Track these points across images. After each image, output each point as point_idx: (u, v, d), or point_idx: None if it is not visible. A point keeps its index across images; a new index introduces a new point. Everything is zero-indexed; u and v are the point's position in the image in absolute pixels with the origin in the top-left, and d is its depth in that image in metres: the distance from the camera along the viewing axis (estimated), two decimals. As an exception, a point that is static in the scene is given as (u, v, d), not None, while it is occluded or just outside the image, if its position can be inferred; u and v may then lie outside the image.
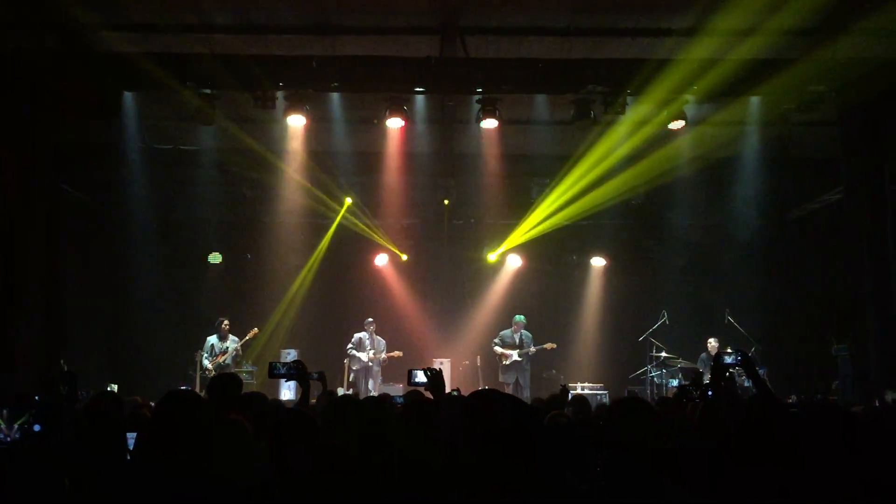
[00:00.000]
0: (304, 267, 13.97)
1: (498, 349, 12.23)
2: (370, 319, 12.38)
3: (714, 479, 2.89)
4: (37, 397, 3.60)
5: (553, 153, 12.31)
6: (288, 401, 10.45)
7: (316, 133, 11.50)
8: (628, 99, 10.20)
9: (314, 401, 5.32)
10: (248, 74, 9.88)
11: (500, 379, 12.14)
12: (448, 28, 9.76)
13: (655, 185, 12.28)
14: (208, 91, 9.97)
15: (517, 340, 12.24)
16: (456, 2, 9.36)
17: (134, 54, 9.92)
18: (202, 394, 9.15)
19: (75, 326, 11.95)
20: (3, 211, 9.60)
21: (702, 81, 9.65)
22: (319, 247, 13.88)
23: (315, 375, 4.66)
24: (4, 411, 3.16)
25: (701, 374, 5.39)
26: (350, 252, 14.07)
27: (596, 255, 14.28)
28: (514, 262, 14.24)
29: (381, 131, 11.34)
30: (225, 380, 4.48)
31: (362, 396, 10.09)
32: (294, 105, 10.29)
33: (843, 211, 11.35)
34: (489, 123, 10.60)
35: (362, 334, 12.32)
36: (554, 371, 12.86)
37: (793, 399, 9.47)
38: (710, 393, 4.41)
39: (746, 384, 9.37)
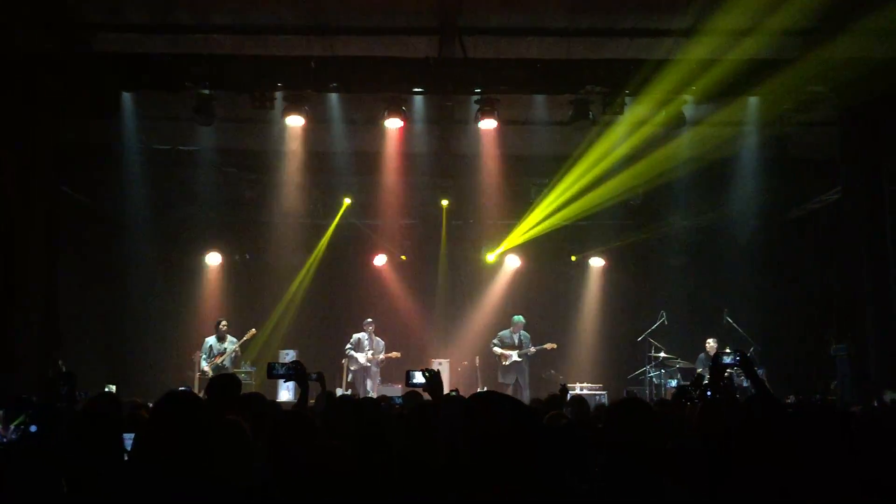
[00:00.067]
0: (302, 267, 13.97)
1: (497, 350, 12.22)
2: (369, 320, 12.37)
3: (713, 479, 2.89)
4: (33, 398, 3.60)
5: (552, 153, 12.30)
6: (287, 401, 10.46)
7: (314, 133, 11.48)
8: (627, 99, 10.19)
9: (313, 401, 5.31)
10: (246, 75, 9.87)
11: (500, 380, 12.12)
12: (446, 28, 9.77)
13: (654, 185, 12.28)
14: (207, 91, 9.94)
15: (516, 341, 12.23)
16: (454, 2, 9.36)
17: (133, 55, 9.93)
18: (201, 394, 9.14)
19: (73, 327, 11.93)
20: (2, 211, 9.59)
21: (700, 82, 9.64)
22: (318, 247, 13.87)
23: (314, 376, 4.66)
24: (1, 412, 3.16)
25: (702, 376, 5.38)
26: (349, 252, 14.07)
27: (595, 256, 14.28)
28: (513, 263, 14.24)
29: (380, 132, 11.33)
30: (224, 380, 4.47)
31: (361, 397, 10.08)
32: (293, 105, 10.27)
33: (841, 211, 11.35)
34: (488, 124, 10.59)
35: (361, 335, 12.31)
36: (553, 371, 12.86)
37: (791, 399, 9.47)
38: (708, 393, 4.41)
39: (745, 384, 9.38)
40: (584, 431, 3.86)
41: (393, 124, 10.80)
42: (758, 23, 9.10)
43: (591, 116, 10.28)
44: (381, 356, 12.24)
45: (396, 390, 9.93)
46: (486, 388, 11.08)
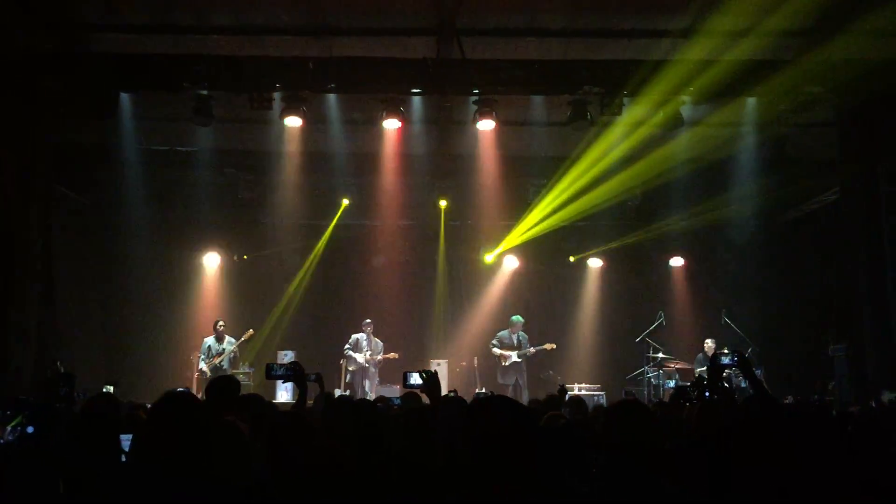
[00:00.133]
0: (301, 268, 13.97)
1: (497, 351, 12.22)
2: (368, 321, 12.36)
3: (711, 479, 2.89)
4: (31, 399, 3.59)
5: (550, 154, 12.31)
6: (285, 402, 10.46)
7: (313, 134, 11.48)
8: (625, 100, 10.20)
9: (311, 402, 5.31)
10: (244, 76, 9.87)
11: (500, 381, 12.11)
12: (445, 29, 9.77)
13: (652, 185, 12.29)
14: (205, 92, 9.94)
15: (515, 341, 12.23)
16: (452, 3, 9.36)
17: (131, 55, 9.93)
18: (199, 395, 9.13)
19: (72, 327, 11.93)
20: (1, 211, 9.58)
21: (698, 82, 9.65)
22: (316, 248, 13.86)
23: (312, 377, 4.66)
24: (-1, 413, 3.15)
25: (702, 377, 5.39)
26: (347, 253, 14.06)
27: (593, 256, 14.28)
28: (511, 263, 14.24)
29: (378, 132, 11.33)
30: (223, 382, 4.46)
31: (359, 398, 10.08)
32: (291, 106, 10.27)
33: (839, 212, 11.37)
34: (486, 124, 10.59)
35: (360, 335, 12.30)
36: (551, 372, 12.86)
37: (789, 399, 9.48)
38: (707, 394, 4.41)
39: (743, 385, 9.39)
40: (583, 432, 3.86)
41: (391, 125, 10.80)
42: (755, 24, 9.11)
43: (589, 117, 10.29)
44: (380, 357, 12.23)
45: (395, 391, 9.92)
46: (484, 389, 11.09)
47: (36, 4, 9.37)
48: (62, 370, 9.54)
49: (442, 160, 12.68)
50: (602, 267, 14.35)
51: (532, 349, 12.16)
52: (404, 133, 11.40)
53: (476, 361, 12.98)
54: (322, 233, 13.79)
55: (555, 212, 12.75)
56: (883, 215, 10.18)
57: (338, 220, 13.60)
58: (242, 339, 11.89)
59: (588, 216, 12.88)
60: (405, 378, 3.97)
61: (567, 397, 6.49)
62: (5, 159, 9.65)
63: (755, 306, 12.96)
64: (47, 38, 9.74)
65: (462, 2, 9.36)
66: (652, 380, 11.86)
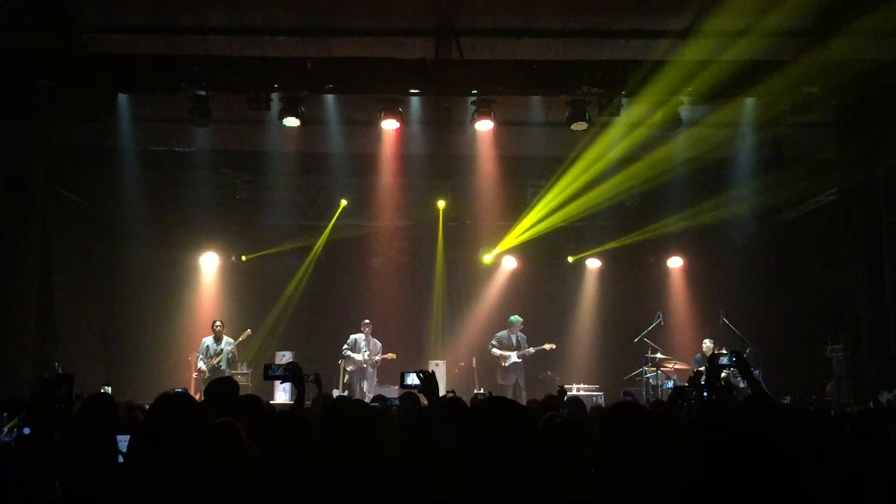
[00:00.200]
0: (299, 268, 13.97)
1: (496, 351, 12.21)
2: (366, 321, 12.36)
3: (708, 479, 2.89)
4: (27, 400, 3.58)
5: (548, 155, 12.31)
6: (283, 403, 10.45)
7: (311, 135, 11.47)
8: (623, 100, 10.20)
9: (309, 403, 5.30)
10: (242, 76, 9.86)
11: (500, 381, 12.10)
12: (443, 30, 9.77)
13: (651, 186, 12.29)
14: (203, 93, 9.93)
15: (514, 341, 12.23)
16: (451, 3, 9.36)
17: (129, 56, 9.92)
18: (197, 396, 9.12)
19: (70, 328, 11.92)
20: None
21: (696, 83, 9.65)
22: (315, 248, 13.86)
23: (311, 377, 4.66)
24: (-3, 414, 3.14)
25: (701, 373, 5.40)
26: (345, 254, 14.05)
27: (591, 257, 14.28)
28: (510, 264, 14.24)
29: (377, 133, 11.33)
30: (222, 384, 4.46)
31: (357, 398, 10.07)
32: (289, 107, 10.25)
33: (837, 212, 11.37)
34: (484, 125, 10.59)
35: (358, 335, 12.30)
36: (549, 372, 12.86)
37: (787, 400, 9.48)
38: (705, 394, 4.41)
39: (741, 385, 9.39)
40: (580, 432, 3.86)
41: (389, 125, 10.79)
42: (754, 24, 9.12)
43: (587, 117, 10.29)
44: (378, 357, 12.22)
45: (393, 392, 9.90)
46: (483, 390, 11.08)
47: (33, 5, 9.36)
48: (60, 371, 9.54)
49: (440, 161, 12.67)
50: (600, 267, 14.36)
51: (531, 349, 12.16)
52: (403, 134, 11.40)
53: (475, 362, 12.98)
54: (320, 233, 13.79)
55: (553, 212, 12.75)
56: (881, 216, 10.19)
57: (336, 221, 13.60)
58: (240, 339, 11.89)
59: (586, 217, 12.88)
60: (402, 378, 3.97)
61: (565, 397, 6.49)
62: (3, 160, 9.64)
63: (753, 307, 12.97)
64: (45, 39, 9.73)
65: (460, 2, 9.36)
66: (650, 380, 11.86)
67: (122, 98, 10.39)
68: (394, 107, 10.47)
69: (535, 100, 11.00)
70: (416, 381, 3.73)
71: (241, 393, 4.59)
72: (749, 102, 10.59)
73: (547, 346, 12.23)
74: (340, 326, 12.94)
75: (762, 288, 13.26)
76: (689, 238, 13.64)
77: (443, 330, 13.91)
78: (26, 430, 2.98)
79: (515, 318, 12.40)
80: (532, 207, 12.99)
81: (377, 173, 12.42)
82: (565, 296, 14.37)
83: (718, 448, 2.99)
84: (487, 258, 14.19)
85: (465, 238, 14.26)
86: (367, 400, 7.62)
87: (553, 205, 12.60)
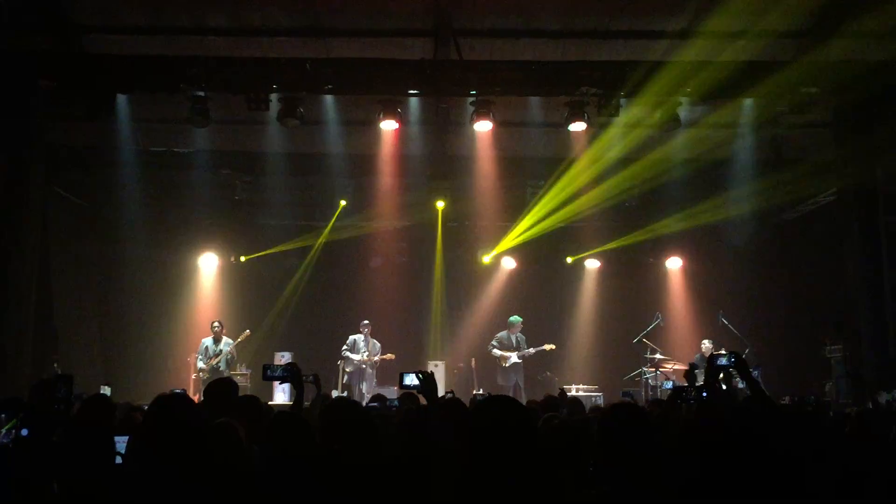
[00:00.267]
0: (298, 269, 13.97)
1: (497, 352, 12.21)
2: (366, 322, 12.36)
3: (707, 480, 2.89)
4: (25, 401, 3.57)
5: (547, 155, 12.31)
6: (282, 403, 10.44)
7: (310, 135, 11.47)
8: (622, 101, 10.21)
9: (308, 403, 5.29)
10: (241, 77, 9.86)
11: (500, 381, 12.09)
12: (442, 30, 9.77)
13: (649, 187, 12.30)
14: (202, 93, 9.93)
15: (514, 342, 12.23)
16: (449, 4, 9.36)
17: (128, 56, 9.91)
18: (196, 397, 9.12)
19: (69, 328, 11.91)
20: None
21: (695, 83, 9.66)
22: (313, 249, 13.85)
23: (310, 378, 4.65)
24: (-5, 415, 3.14)
25: (695, 365, 5.40)
26: (344, 254, 14.05)
27: (590, 258, 14.29)
28: (509, 265, 14.24)
29: (375, 133, 11.32)
30: (221, 385, 4.46)
31: (355, 399, 10.06)
32: (288, 107, 10.26)
33: (836, 213, 11.38)
34: (483, 126, 10.59)
35: (357, 336, 12.30)
36: (548, 373, 12.86)
37: (786, 400, 9.48)
38: (704, 394, 4.41)
39: (740, 385, 9.38)
40: (579, 433, 3.86)
41: (388, 126, 10.79)
42: (752, 25, 9.12)
43: (586, 118, 10.29)
44: (377, 358, 12.22)
45: (392, 392, 9.89)
46: (481, 390, 11.08)
47: (32, 6, 9.36)
48: (59, 371, 9.52)
49: (439, 161, 12.67)
50: (599, 268, 14.36)
51: (531, 350, 12.16)
52: (401, 134, 11.39)
53: (473, 363, 12.97)
54: (319, 234, 13.78)
55: (552, 213, 12.75)
56: (879, 216, 10.20)
57: (335, 222, 13.59)
58: (239, 339, 11.88)
59: (585, 217, 12.89)
60: (401, 379, 3.97)
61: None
62: (2, 160, 9.63)
63: (752, 307, 12.97)
64: (44, 40, 9.73)
65: (459, 3, 9.36)
66: (649, 381, 11.86)
67: (121, 99, 10.38)
68: (393, 107, 10.48)
69: (534, 100, 11.00)
70: (416, 382, 3.73)
71: (241, 393, 4.59)
72: (748, 103, 10.60)
73: (547, 347, 12.23)
74: (339, 327, 12.94)
75: (761, 288, 13.26)
76: (687, 238, 13.64)
77: (442, 330, 13.90)
78: (24, 432, 2.98)
79: (515, 318, 12.40)
80: (531, 208, 13.00)
81: (376, 174, 12.42)
82: (564, 296, 14.37)
83: (717, 448, 2.99)
84: (486, 259, 14.19)
85: (463, 239, 14.26)
86: (365, 401, 7.62)
87: (552, 205, 12.60)
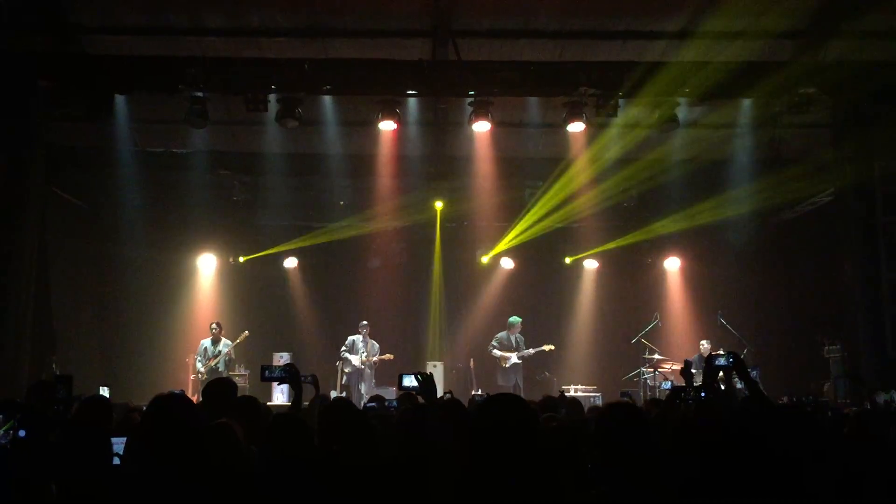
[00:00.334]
0: (297, 269, 13.95)
1: (497, 353, 12.20)
2: (364, 322, 12.35)
3: (705, 479, 2.89)
4: (23, 402, 3.57)
5: (546, 155, 12.32)
6: (281, 404, 10.44)
7: (308, 136, 11.47)
8: (620, 101, 10.22)
9: (307, 404, 5.29)
10: (240, 77, 9.87)
11: (500, 382, 12.07)
12: (440, 31, 9.77)
13: (648, 187, 12.30)
14: (200, 94, 9.93)
15: (514, 342, 12.23)
16: (448, 5, 9.37)
17: (126, 57, 9.92)
18: (195, 398, 9.11)
19: (68, 329, 11.90)
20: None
21: (693, 84, 9.67)
22: (313, 249, 13.84)
23: (308, 378, 4.65)
24: (-7, 417, 3.13)
25: (689, 362, 5.42)
26: (343, 255, 14.04)
27: (588, 258, 14.28)
28: (507, 265, 14.24)
29: (374, 134, 11.33)
30: (220, 386, 4.45)
31: (354, 399, 10.06)
32: (286, 108, 10.26)
33: (834, 213, 11.39)
34: (481, 126, 10.60)
35: (356, 337, 12.29)
36: (547, 373, 12.86)
37: (784, 400, 9.49)
38: (702, 394, 4.41)
39: (739, 385, 9.39)
40: (577, 434, 3.86)
41: (387, 126, 10.78)
42: (750, 25, 9.13)
43: (584, 118, 10.30)
44: (376, 358, 12.21)
45: (391, 393, 9.90)
46: (480, 391, 11.07)
47: (31, 6, 9.35)
48: (57, 372, 9.51)
49: (438, 162, 12.68)
50: (598, 268, 14.35)
51: (531, 350, 12.16)
52: (400, 135, 11.39)
53: (472, 363, 12.96)
54: (318, 234, 13.77)
55: (551, 213, 12.75)
56: (878, 216, 10.21)
57: (334, 222, 13.58)
58: (238, 340, 11.88)
59: (584, 218, 12.89)
60: (400, 380, 3.97)
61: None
62: (1, 160, 9.62)
63: (751, 307, 12.98)
64: (44, 40, 9.72)
65: (457, 4, 9.37)
66: (648, 381, 11.86)
67: (120, 99, 10.40)
68: (391, 108, 10.48)
69: (533, 101, 11.01)
70: (414, 383, 3.73)
71: (239, 394, 4.59)
72: (746, 103, 10.62)
73: (546, 348, 12.23)
74: (338, 328, 12.93)
75: (759, 288, 13.27)
76: (686, 239, 13.64)
77: (440, 331, 13.89)
78: (22, 433, 2.97)
79: (514, 319, 12.39)
80: (529, 208, 12.99)
81: (375, 174, 12.42)
82: (562, 297, 14.36)
83: (716, 448, 2.99)
84: (485, 259, 14.18)
85: (462, 239, 14.25)
86: (364, 401, 7.62)
87: (550, 205, 12.60)
